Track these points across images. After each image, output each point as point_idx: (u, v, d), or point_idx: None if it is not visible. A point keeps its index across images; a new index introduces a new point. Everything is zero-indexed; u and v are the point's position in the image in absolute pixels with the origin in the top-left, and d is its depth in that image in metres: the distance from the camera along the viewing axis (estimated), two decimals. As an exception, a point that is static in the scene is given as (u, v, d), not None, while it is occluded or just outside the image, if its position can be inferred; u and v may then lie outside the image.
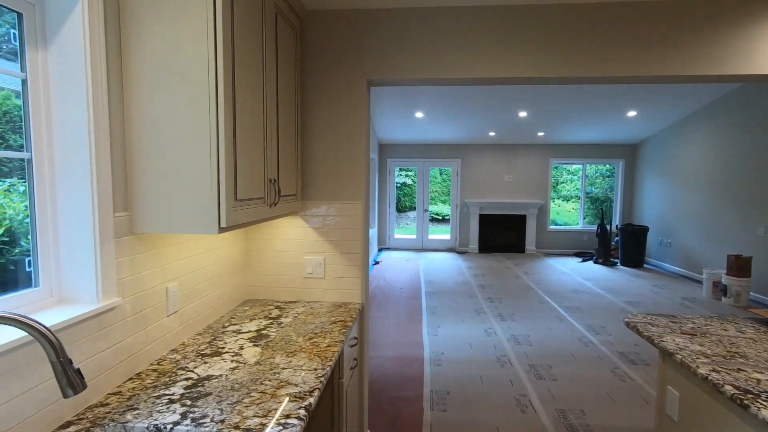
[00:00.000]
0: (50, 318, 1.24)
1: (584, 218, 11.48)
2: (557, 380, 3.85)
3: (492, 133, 10.07)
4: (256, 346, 1.83)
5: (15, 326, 0.85)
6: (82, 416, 1.28)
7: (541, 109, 8.21)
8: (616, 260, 9.65)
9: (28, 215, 1.38)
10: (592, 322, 5.49)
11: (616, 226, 10.11)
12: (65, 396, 0.88)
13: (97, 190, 1.34)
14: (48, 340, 0.86)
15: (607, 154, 10.83)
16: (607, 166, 11.33)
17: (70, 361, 0.89)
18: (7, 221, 3.72)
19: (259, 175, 1.78)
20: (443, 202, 17.32)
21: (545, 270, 8.87)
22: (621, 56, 2.31)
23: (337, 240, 2.51)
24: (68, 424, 1.24)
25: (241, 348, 1.80)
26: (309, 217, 2.52)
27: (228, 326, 2.07)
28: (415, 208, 11.70)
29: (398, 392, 3.61)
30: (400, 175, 15.68)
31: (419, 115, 8.72)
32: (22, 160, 1.32)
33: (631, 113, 8.33)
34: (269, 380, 1.51)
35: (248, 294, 2.56)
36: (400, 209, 15.85)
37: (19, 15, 1.25)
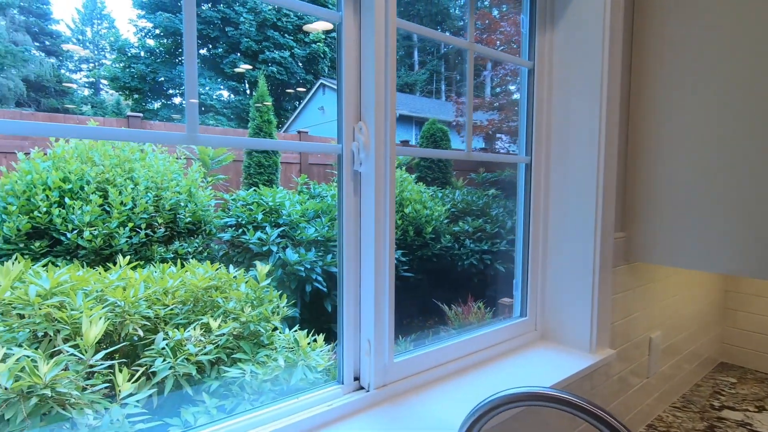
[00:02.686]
0: (539, 364, 0.99)
1: None
2: None
3: None
4: (813, 478, 1.05)
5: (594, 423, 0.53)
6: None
7: None
8: None
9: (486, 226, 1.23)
10: None
11: None
12: None
13: (602, 202, 1.00)
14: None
15: None
16: None
17: None
18: (433, 221, 4.36)
19: None
20: None
21: None
22: None
23: None
24: None
25: (782, 472, 1.07)
26: None
27: (718, 406, 1.37)
28: None
29: None
30: None
31: None
32: (441, 166, 1.15)
33: None
34: None
35: (720, 355, 1.75)
36: None
37: (532, -6, 1.07)
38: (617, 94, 1.01)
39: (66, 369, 0.87)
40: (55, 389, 0.78)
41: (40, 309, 0.98)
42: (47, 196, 2.21)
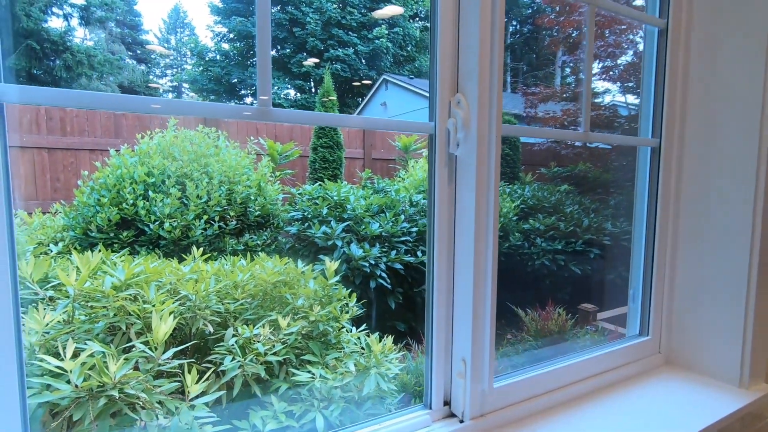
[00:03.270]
0: (670, 400, 0.79)
1: None
2: None
3: None
4: None
5: None
6: None
7: None
8: None
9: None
10: None
11: None
12: None
13: (763, 194, 0.77)
14: None
15: None
16: None
17: None
18: (501, 218, 4.12)
19: None
20: None
21: None
22: None
23: None
24: None
25: None
26: None
27: None
28: None
29: None
30: None
31: None
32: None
33: None
34: None
35: None
36: None
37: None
38: (788, 53, 0.77)
39: (136, 368, 0.84)
40: (123, 390, 0.74)
41: (114, 301, 0.96)
42: (134, 189, 2.33)
